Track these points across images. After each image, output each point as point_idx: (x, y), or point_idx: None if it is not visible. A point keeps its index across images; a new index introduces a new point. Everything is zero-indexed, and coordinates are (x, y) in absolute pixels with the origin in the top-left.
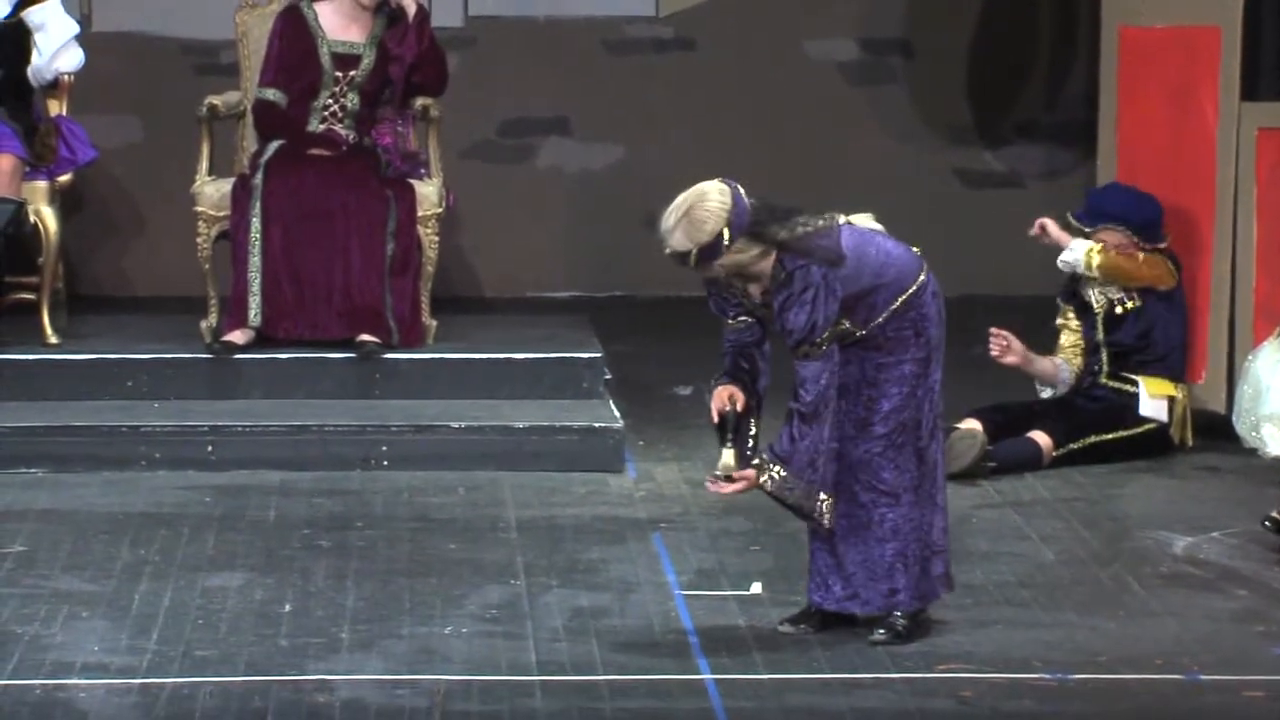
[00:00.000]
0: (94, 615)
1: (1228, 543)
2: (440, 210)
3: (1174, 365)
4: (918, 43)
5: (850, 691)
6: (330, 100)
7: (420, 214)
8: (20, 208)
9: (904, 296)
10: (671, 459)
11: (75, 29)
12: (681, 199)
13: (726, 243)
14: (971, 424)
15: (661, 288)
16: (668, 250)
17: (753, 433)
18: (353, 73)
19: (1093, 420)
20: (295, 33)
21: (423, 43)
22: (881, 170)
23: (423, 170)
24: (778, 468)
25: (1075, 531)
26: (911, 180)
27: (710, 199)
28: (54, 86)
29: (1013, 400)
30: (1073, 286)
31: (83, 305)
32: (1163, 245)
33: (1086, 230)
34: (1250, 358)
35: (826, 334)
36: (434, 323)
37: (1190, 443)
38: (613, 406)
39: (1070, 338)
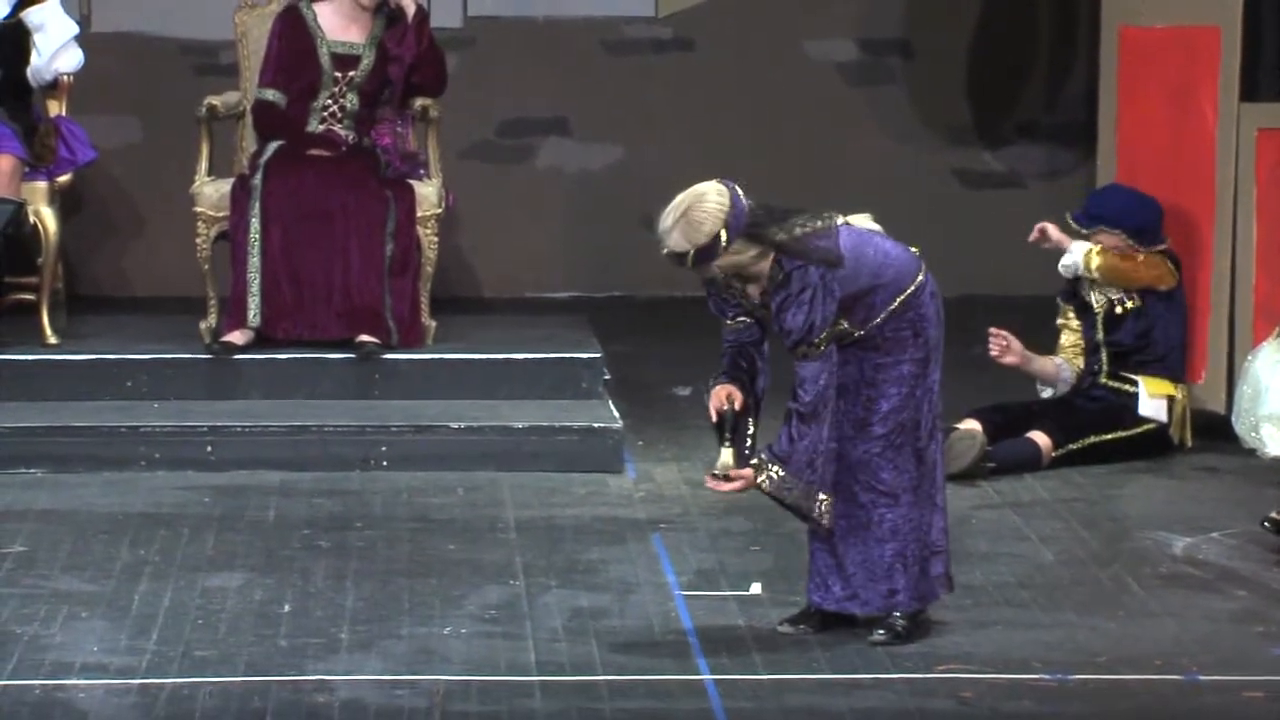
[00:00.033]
0: (93, 615)
1: (1227, 543)
2: (439, 210)
3: (1174, 365)
4: (917, 43)
5: (850, 692)
6: (329, 101)
7: (419, 214)
8: (20, 208)
9: (902, 297)
10: (671, 459)
11: (74, 29)
12: (679, 199)
13: (724, 244)
14: (971, 424)
15: (661, 288)
16: (665, 250)
17: (751, 432)
18: (352, 73)
19: (1092, 420)
20: (294, 33)
21: (422, 43)
22: (881, 171)
23: (422, 170)
24: (776, 467)
25: (1075, 532)
26: (911, 181)
27: (708, 200)
28: (53, 87)
29: (1012, 401)
30: (1073, 286)
31: (82, 305)
32: (1161, 247)
33: (1084, 232)
34: (1250, 358)
35: (824, 334)
36: (433, 323)
37: (1190, 443)
38: (612, 407)
39: (1071, 337)
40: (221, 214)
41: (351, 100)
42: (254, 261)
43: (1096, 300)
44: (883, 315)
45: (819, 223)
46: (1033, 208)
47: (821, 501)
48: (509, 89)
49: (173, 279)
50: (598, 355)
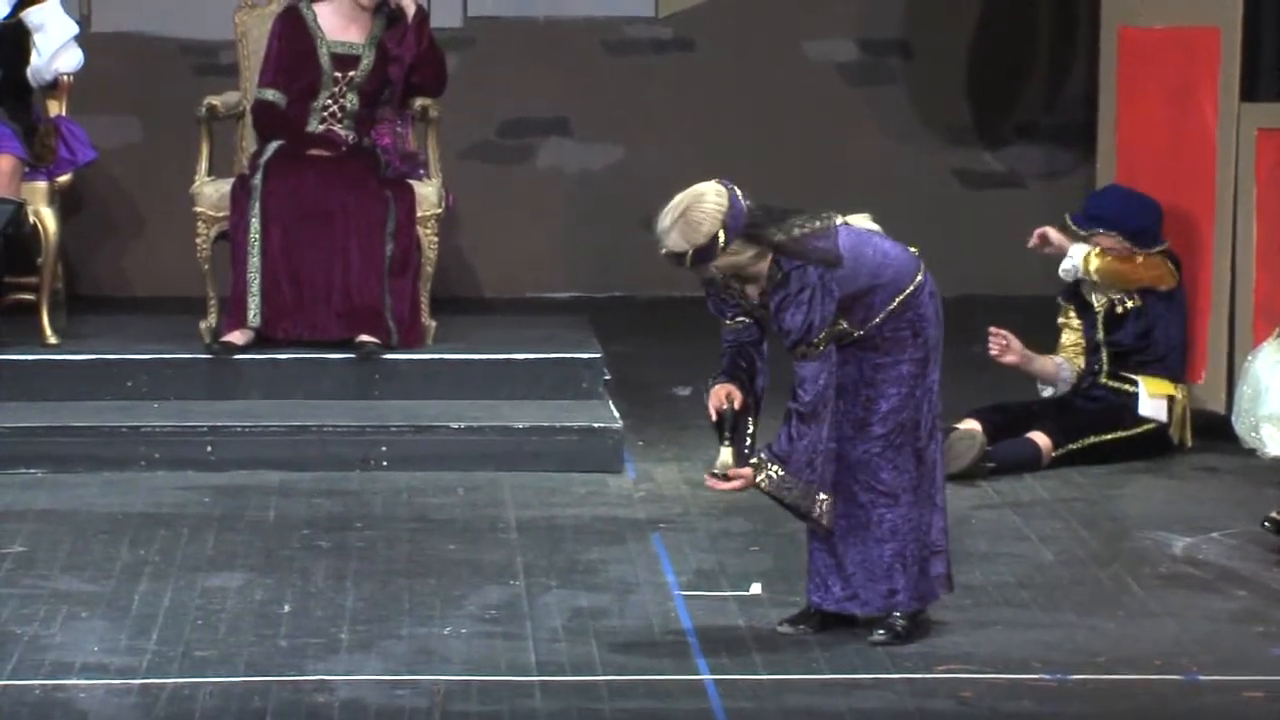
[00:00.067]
0: (93, 615)
1: (1227, 543)
2: (439, 211)
3: (1174, 365)
4: (917, 43)
5: (850, 692)
6: (329, 101)
7: (420, 214)
8: (20, 208)
9: (901, 297)
10: (671, 459)
11: (74, 29)
12: (678, 200)
13: (722, 244)
14: (970, 424)
15: (661, 288)
16: (663, 250)
17: (750, 431)
18: (352, 73)
19: (1092, 420)
20: (294, 33)
21: (422, 43)
22: (881, 171)
23: (422, 171)
24: (775, 467)
25: (1074, 532)
26: (911, 181)
27: (707, 200)
28: (53, 87)
29: (1012, 400)
30: (1074, 286)
31: (82, 305)
32: (1159, 249)
33: (1082, 234)
34: (1250, 358)
35: (823, 334)
36: (433, 323)
37: (1190, 443)
38: (612, 407)
39: (1071, 336)
40: (221, 214)
41: (351, 100)
42: (254, 261)
43: (1097, 300)
44: (882, 315)
45: (817, 223)
46: (1033, 208)
47: (821, 501)
48: (509, 89)
49: (173, 279)
50: (598, 355)
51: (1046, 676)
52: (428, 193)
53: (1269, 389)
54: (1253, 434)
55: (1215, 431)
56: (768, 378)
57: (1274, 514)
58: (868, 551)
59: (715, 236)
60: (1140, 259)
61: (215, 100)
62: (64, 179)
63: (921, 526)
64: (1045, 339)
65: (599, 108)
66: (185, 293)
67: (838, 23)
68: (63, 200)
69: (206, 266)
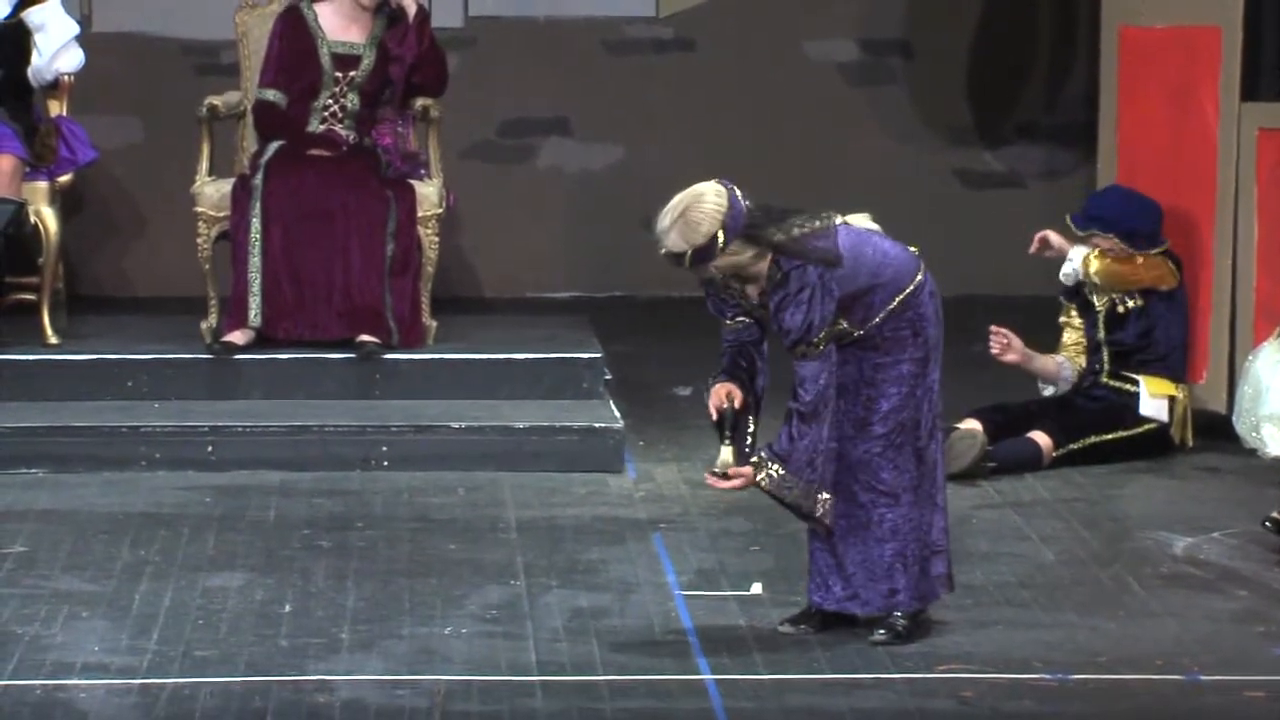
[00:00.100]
0: (94, 615)
1: (1228, 543)
2: (440, 210)
3: (1175, 365)
4: (918, 43)
5: (850, 692)
6: (330, 101)
7: (420, 214)
8: (20, 208)
9: (901, 296)
10: (671, 459)
11: (75, 29)
12: (678, 200)
13: (721, 245)
14: (971, 424)
15: (661, 288)
16: (663, 250)
17: (751, 430)
18: (353, 73)
19: (1092, 420)
20: (295, 33)
21: (423, 43)
22: (881, 171)
23: (423, 170)
24: (776, 466)
25: (1075, 532)
26: (911, 180)
27: (706, 201)
28: (54, 87)
29: (1012, 400)
30: (1075, 285)
31: (83, 305)
32: (1157, 251)
33: (1080, 234)
34: (1250, 358)
35: (823, 334)
36: (434, 323)
37: (1190, 443)
38: (613, 407)
39: (1073, 335)
40: (222, 214)
41: (352, 100)
42: (255, 261)
43: (1098, 300)
44: (881, 315)
45: (817, 223)
46: (1033, 208)
47: (823, 500)
48: (510, 89)
49: (173, 279)
50: (598, 355)
51: (1047, 676)
52: (428, 192)
53: (1270, 389)
54: (1253, 434)
55: (1216, 431)
56: (768, 377)
57: (1275, 514)
58: (868, 551)
59: (714, 237)
60: (1140, 260)
61: (216, 100)
62: (65, 179)
63: (922, 526)
64: (1045, 339)
65: (599, 108)
66: (186, 293)
67: (838, 23)
68: (64, 200)
69: (207, 266)
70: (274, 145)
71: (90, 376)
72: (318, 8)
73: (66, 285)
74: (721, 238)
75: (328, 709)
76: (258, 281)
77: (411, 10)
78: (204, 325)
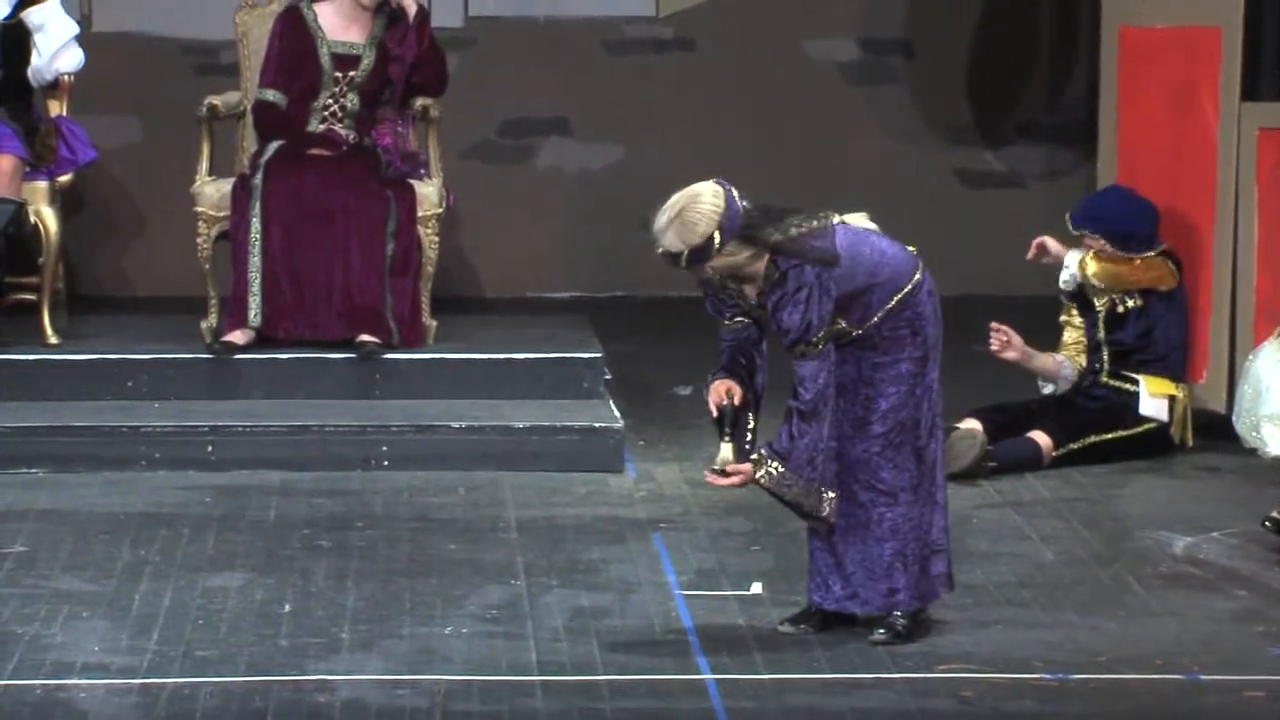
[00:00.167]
0: (94, 615)
1: (1228, 543)
2: (440, 210)
3: (1175, 365)
4: (918, 43)
5: (850, 691)
6: (330, 100)
7: (420, 214)
8: (20, 208)
9: (899, 296)
10: (671, 459)
11: (75, 29)
12: (675, 199)
13: (717, 246)
14: (971, 424)
15: (662, 288)
16: (660, 250)
17: (751, 426)
18: (352, 73)
19: (1092, 420)
20: (295, 33)
21: (423, 43)
22: (881, 170)
23: (423, 170)
24: (776, 463)
25: (1075, 531)
26: (911, 180)
27: (703, 201)
28: (54, 87)
29: (1013, 400)
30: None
31: (83, 305)
32: (1151, 253)
33: (1075, 233)
34: (1251, 357)
35: (822, 334)
36: (434, 323)
37: (1190, 443)
38: (613, 406)
39: (1074, 334)
40: (222, 214)
41: (352, 100)
42: (255, 261)
43: (1098, 300)
44: (880, 314)
45: (814, 222)
46: (1033, 208)
47: (829, 499)
48: (510, 89)
49: (173, 279)
50: (599, 355)
51: (1048, 676)
52: (428, 192)
53: (1270, 388)
54: (1254, 433)
55: (1216, 431)
56: (767, 375)
57: (1275, 513)
58: (868, 550)
59: (711, 238)
60: (1138, 260)
61: (216, 100)
62: (65, 179)
63: (922, 525)
64: (1045, 339)
65: (599, 108)
66: (186, 292)
67: (839, 22)
68: (64, 200)
69: (207, 266)
70: (274, 145)
71: (90, 376)
72: (318, 8)
73: (66, 285)
74: (718, 239)
75: (328, 709)
76: (258, 281)
77: (411, 10)
78: (204, 325)
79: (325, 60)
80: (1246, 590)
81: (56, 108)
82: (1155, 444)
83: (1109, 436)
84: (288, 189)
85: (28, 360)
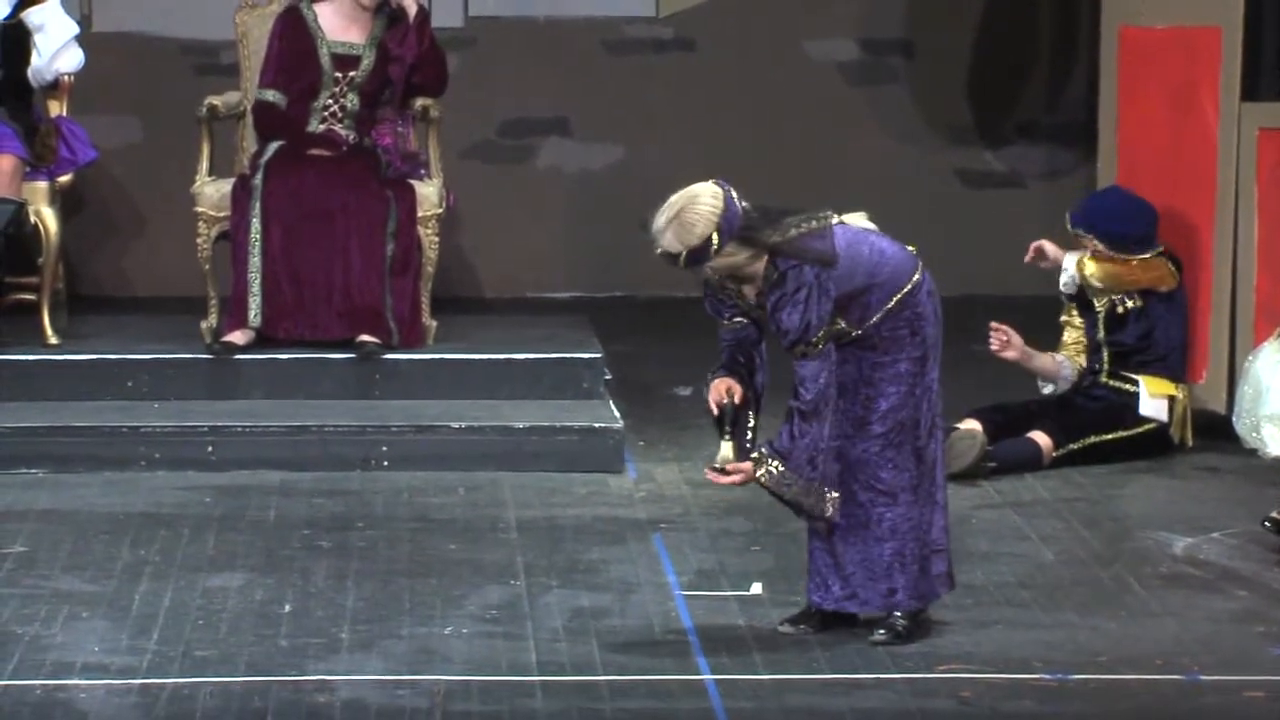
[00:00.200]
0: (94, 615)
1: (1228, 543)
2: (440, 210)
3: (1174, 365)
4: (918, 43)
5: (850, 692)
6: (330, 101)
7: (420, 214)
8: (20, 208)
9: (899, 295)
10: (672, 459)
11: (75, 30)
12: (673, 200)
13: (716, 247)
14: (971, 424)
15: (661, 288)
16: (658, 250)
17: (751, 425)
18: (352, 73)
19: (1092, 420)
20: (295, 33)
21: (423, 43)
22: (882, 170)
23: (423, 170)
24: (776, 462)
25: (1075, 532)
26: (912, 180)
27: (702, 202)
28: (54, 87)
29: (1013, 400)
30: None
31: (83, 305)
32: (1147, 255)
33: (1071, 233)
34: (1251, 358)
35: (821, 334)
36: (434, 323)
37: (1190, 443)
38: (613, 407)
39: (1074, 334)
40: (222, 214)
41: (352, 100)
42: (255, 261)
43: (1098, 300)
44: (879, 314)
45: (813, 223)
46: (1033, 208)
47: (832, 499)
48: (510, 89)
49: (173, 279)
50: (598, 355)
51: (1048, 676)
52: (428, 192)
53: (1270, 389)
54: (1254, 434)
55: (1216, 431)
56: (767, 375)
57: (1275, 514)
58: (867, 551)
59: (709, 239)
60: (1136, 261)
61: (216, 100)
62: (65, 179)
63: (921, 525)
64: (1045, 339)
65: (599, 108)
66: (186, 293)
67: (839, 22)
68: (64, 200)
69: (207, 266)
70: (274, 145)
71: (90, 376)
72: (317, 8)
73: (66, 285)
74: (716, 240)
75: (328, 709)
76: (258, 281)
77: (411, 10)
78: (204, 325)
79: (325, 60)
80: (1246, 590)
81: (56, 108)
82: (1155, 444)
83: (1109, 437)
84: (288, 189)
85: (28, 360)
